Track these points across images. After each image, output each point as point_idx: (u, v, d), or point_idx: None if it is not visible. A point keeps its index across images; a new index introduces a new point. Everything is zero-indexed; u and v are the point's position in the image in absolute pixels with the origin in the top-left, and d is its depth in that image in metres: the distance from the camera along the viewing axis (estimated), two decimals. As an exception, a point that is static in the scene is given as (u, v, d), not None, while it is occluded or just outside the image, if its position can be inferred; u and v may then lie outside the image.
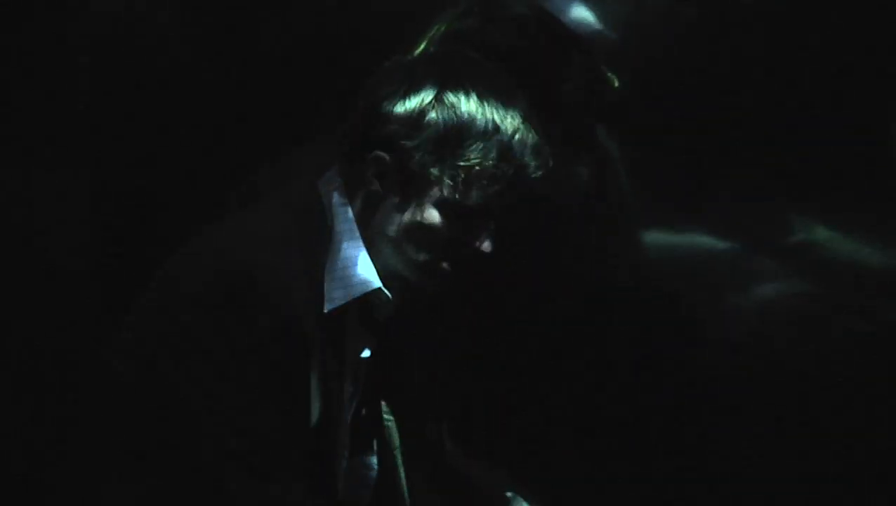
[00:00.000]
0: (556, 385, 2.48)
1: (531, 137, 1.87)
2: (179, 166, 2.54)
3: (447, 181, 1.85)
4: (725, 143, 2.36)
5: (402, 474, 2.05)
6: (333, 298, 1.87)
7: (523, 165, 1.86)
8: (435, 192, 1.86)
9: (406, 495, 2.05)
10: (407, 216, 1.87)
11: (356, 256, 1.89)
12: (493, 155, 1.84)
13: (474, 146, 1.84)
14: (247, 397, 1.79)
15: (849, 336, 2.34)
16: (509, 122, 1.85)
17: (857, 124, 2.29)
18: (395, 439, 2.05)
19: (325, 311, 1.86)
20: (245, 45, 2.54)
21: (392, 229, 1.88)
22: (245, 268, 1.79)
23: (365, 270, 1.89)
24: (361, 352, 1.96)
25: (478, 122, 1.84)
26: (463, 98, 1.84)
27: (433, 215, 1.86)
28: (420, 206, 1.87)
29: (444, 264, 1.90)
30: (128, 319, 1.89)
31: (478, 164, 1.84)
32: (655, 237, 2.47)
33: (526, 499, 2.14)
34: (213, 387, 1.78)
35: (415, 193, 1.86)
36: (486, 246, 1.90)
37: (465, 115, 1.83)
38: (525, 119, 1.87)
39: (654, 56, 2.38)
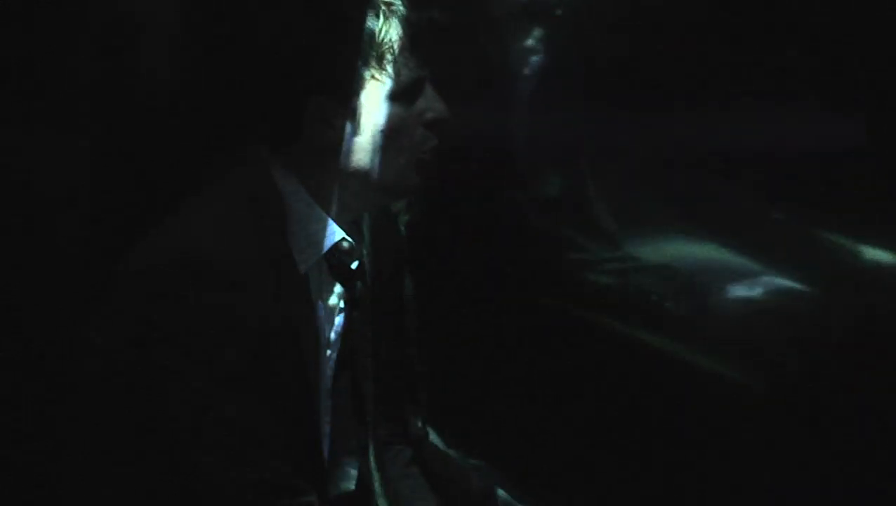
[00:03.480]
0: (548, 385, 2.48)
1: None
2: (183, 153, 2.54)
3: (382, 80, 1.91)
4: (722, 141, 2.36)
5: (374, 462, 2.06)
6: (304, 259, 1.90)
7: (428, 19, 2.02)
8: (378, 95, 1.91)
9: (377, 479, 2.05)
10: (367, 135, 1.91)
11: (312, 214, 1.92)
12: (398, 29, 1.91)
13: (381, 34, 1.90)
14: (222, 383, 1.79)
15: (845, 335, 2.33)
16: None
17: (855, 122, 2.28)
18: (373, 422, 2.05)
19: (301, 271, 1.89)
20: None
21: (360, 157, 1.92)
22: (199, 254, 1.80)
23: (324, 226, 1.92)
24: (336, 307, 1.98)
25: (372, 14, 1.90)
26: (345, 6, 1.90)
27: (387, 116, 1.92)
28: (372, 113, 1.91)
29: (423, 150, 1.95)
30: (93, 319, 1.89)
31: (393, 43, 1.91)
32: (649, 236, 2.47)
33: (511, 495, 2.15)
34: (186, 378, 1.78)
35: (362, 110, 1.91)
36: (439, 106, 1.95)
37: (356, 18, 1.89)
38: None
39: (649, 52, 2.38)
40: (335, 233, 1.93)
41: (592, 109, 2.44)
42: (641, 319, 2.44)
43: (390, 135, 1.92)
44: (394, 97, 1.92)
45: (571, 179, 2.53)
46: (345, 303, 1.99)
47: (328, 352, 1.98)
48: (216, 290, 1.79)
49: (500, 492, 2.18)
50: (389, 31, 1.91)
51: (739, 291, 2.41)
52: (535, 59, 2.53)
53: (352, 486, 2.04)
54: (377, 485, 2.04)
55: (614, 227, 2.48)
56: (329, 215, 1.93)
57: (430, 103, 1.96)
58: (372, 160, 1.92)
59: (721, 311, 2.42)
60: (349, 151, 1.92)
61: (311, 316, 1.92)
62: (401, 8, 1.93)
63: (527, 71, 2.53)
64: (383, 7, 1.91)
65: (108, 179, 2.51)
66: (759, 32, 2.32)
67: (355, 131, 1.91)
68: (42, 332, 2.38)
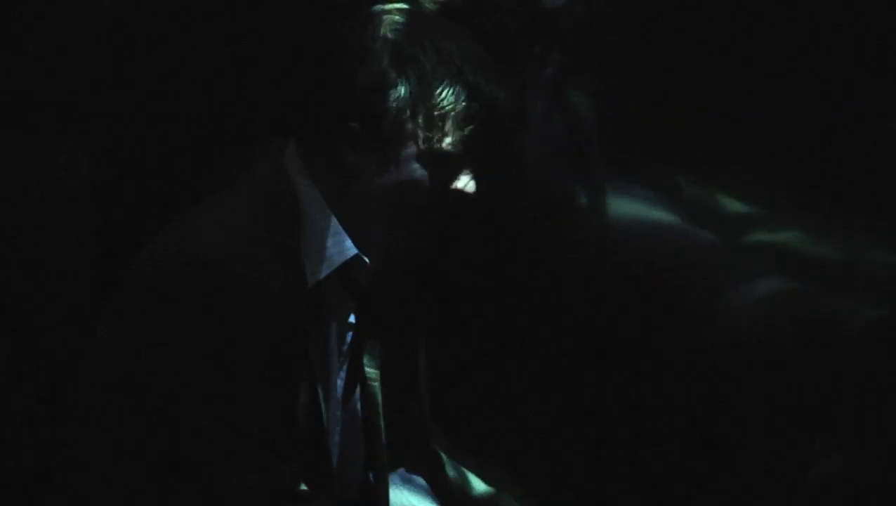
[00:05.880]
0: (551, 383, 2.48)
1: (493, 71, 1.89)
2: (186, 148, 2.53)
3: (422, 135, 1.86)
4: (718, 138, 2.37)
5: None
6: (315, 273, 1.88)
7: (492, 99, 1.88)
8: (412, 148, 1.86)
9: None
10: (388, 179, 1.87)
11: (328, 228, 1.90)
12: (462, 97, 1.86)
13: (442, 94, 1.85)
14: (231, 387, 1.79)
15: (846, 332, 2.34)
16: (469, 61, 1.86)
17: (853, 122, 2.29)
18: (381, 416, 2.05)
19: (309, 285, 1.87)
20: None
21: (374, 196, 1.89)
22: (213, 257, 1.79)
23: (340, 240, 1.90)
24: (346, 320, 1.98)
25: (440, 70, 1.85)
26: (419, 51, 1.85)
27: (415, 171, 1.87)
28: (400, 165, 1.87)
29: (430, 218, 1.92)
30: (104, 317, 1.88)
31: (450, 109, 1.85)
32: (647, 234, 2.48)
33: (513, 493, 2.15)
34: (195, 380, 1.78)
35: (392, 154, 1.86)
36: (470, 187, 1.91)
37: (427, 67, 1.84)
38: (482, 55, 1.89)
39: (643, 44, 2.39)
40: (350, 249, 1.91)
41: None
42: (647, 320, 2.45)
43: (409, 189, 1.88)
44: (429, 160, 1.87)
45: (577, 183, 2.53)
46: (356, 317, 1.99)
47: (339, 363, 1.97)
48: (228, 294, 1.78)
49: (505, 494, 2.18)
50: (448, 96, 1.85)
51: (744, 289, 2.42)
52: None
53: (357, 493, 2.04)
54: (382, 492, 2.04)
55: (618, 227, 2.49)
56: (347, 232, 1.91)
57: (461, 177, 1.91)
58: (385, 205, 1.89)
59: (727, 310, 2.43)
60: (369, 186, 1.88)
61: (321, 327, 1.91)
62: (471, 80, 1.86)
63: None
64: (453, 70, 1.85)
65: (120, 178, 2.51)
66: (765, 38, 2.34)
67: (379, 172, 1.88)
68: (51, 329, 2.38)
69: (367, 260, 1.93)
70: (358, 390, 2.01)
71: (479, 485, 2.18)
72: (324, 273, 1.89)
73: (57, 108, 2.50)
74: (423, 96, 1.84)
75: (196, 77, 2.51)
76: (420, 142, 1.86)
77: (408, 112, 1.84)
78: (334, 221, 1.90)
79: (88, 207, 2.52)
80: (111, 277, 1.92)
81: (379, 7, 1.93)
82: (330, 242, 1.90)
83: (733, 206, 2.41)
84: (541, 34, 2.28)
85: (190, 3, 2.52)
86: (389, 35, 1.86)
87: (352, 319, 1.99)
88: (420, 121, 1.85)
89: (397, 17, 1.89)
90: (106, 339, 1.85)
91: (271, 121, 2.00)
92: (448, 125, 1.86)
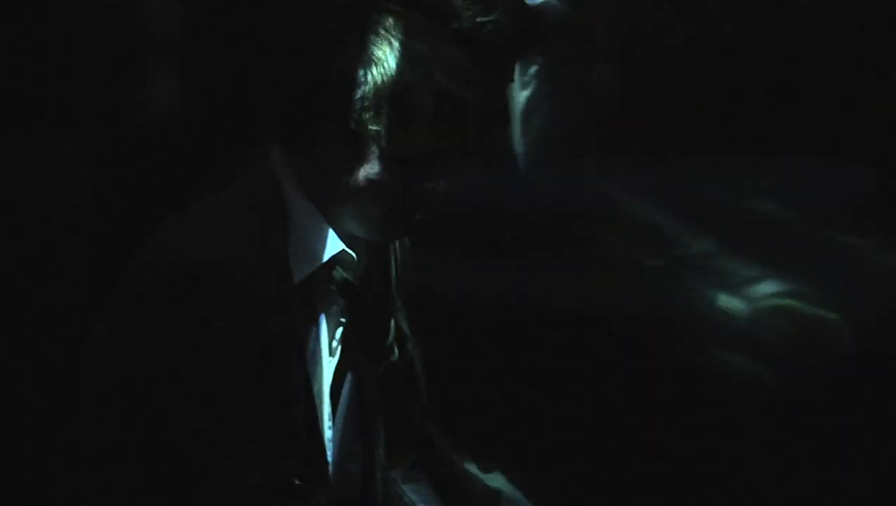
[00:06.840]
0: (551, 382, 2.49)
1: (464, 73, 1.88)
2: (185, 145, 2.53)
3: (389, 134, 1.86)
4: (716, 139, 2.37)
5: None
6: (301, 270, 1.90)
7: (461, 102, 1.87)
8: (377, 147, 1.86)
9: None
10: (358, 176, 1.88)
11: (313, 225, 1.91)
12: (428, 99, 1.85)
13: (408, 94, 1.85)
14: (229, 386, 1.80)
15: (843, 334, 2.34)
16: (441, 63, 1.86)
17: (852, 123, 2.30)
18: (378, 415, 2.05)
19: (295, 281, 1.88)
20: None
21: (346, 192, 1.89)
22: (209, 257, 1.81)
23: (325, 236, 1.91)
24: (337, 315, 1.98)
25: (408, 71, 1.85)
26: (389, 50, 1.85)
27: (383, 170, 1.87)
28: (368, 163, 1.87)
29: (402, 216, 1.92)
30: (100, 317, 1.90)
31: (416, 111, 1.86)
32: (644, 234, 2.48)
33: (513, 493, 2.16)
34: (190, 378, 1.79)
35: (361, 152, 1.87)
36: (441, 186, 1.91)
37: (395, 67, 1.84)
38: (454, 57, 1.89)
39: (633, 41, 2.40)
40: (336, 245, 1.92)
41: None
42: (646, 320, 2.45)
43: (376, 189, 1.89)
44: (394, 160, 1.88)
45: (574, 184, 2.54)
46: (346, 313, 1.99)
47: (329, 359, 1.98)
48: (225, 293, 1.80)
49: (505, 494, 2.19)
50: (415, 97, 1.85)
51: (744, 291, 2.42)
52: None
53: (356, 490, 2.04)
54: (380, 488, 2.04)
55: (617, 228, 2.50)
56: (333, 228, 1.92)
57: (429, 175, 1.91)
58: (357, 203, 1.90)
59: (726, 311, 2.43)
60: (341, 184, 1.90)
61: (311, 324, 1.93)
62: (442, 82, 1.85)
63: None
64: (423, 72, 1.85)
65: (115, 178, 2.51)
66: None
67: (349, 170, 1.89)
68: (51, 329, 2.38)
69: (354, 256, 1.93)
70: (351, 386, 2.01)
71: (479, 485, 2.18)
72: (309, 270, 1.90)
73: (57, 108, 2.50)
74: (388, 96, 1.84)
75: (196, 77, 2.51)
76: (387, 142, 1.86)
77: (372, 111, 1.85)
78: (320, 218, 1.91)
79: (88, 207, 2.52)
80: (111, 277, 1.92)
81: (359, 6, 1.94)
82: (315, 238, 1.91)
83: (734, 206, 2.42)
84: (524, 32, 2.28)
85: (189, 2, 2.52)
86: (361, 33, 1.86)
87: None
88: (385, 120, 1.85)
89: (373, 16, 1.89)
90: (105, 339, 1.86)
91: (267, 120, 2.00)
92: (414, 127, 1.86)
